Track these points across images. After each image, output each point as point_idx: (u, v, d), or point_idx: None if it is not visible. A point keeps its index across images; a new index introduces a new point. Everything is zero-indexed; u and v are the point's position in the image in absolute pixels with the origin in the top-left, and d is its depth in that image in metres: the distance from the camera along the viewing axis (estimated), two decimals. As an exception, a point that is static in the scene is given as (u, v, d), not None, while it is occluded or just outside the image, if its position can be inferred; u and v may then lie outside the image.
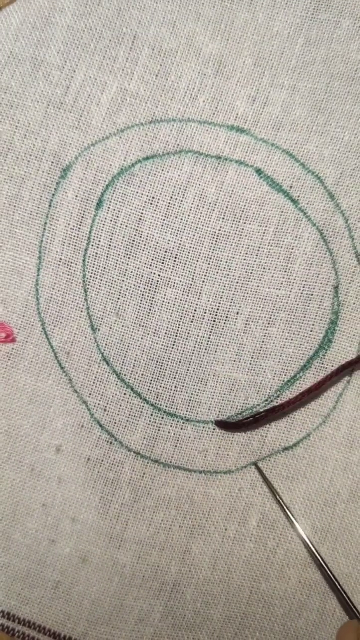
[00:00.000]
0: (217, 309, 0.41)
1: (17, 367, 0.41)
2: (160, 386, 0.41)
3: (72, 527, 0.41)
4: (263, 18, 0.42)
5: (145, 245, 0.41)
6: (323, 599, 0.41)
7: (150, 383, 0.41)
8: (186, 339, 0.41)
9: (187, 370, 0.41)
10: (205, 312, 0.41)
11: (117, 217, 0.41)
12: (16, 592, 0.40)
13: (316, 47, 0.42)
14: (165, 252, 0.41)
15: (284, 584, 0.41)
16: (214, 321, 0.41)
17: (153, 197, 0.41)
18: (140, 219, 0.41)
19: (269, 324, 0.41)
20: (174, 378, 0.41)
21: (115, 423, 0.41)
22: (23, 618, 0.40)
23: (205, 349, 0.41)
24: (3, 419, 0.41)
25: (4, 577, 0.40)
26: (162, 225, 0.41)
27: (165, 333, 0.41)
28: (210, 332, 0.41)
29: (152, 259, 0.41)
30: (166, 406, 0.41)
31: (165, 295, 0.41)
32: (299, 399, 0.40)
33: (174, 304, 0.41)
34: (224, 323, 0.41)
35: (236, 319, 0.41)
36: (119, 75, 0.41)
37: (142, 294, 0.41)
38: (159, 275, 0.41)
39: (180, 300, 0.41)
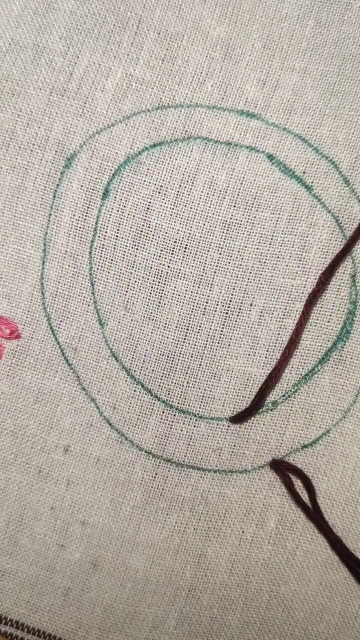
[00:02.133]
0: (230, 301, 0.39)
1: (23, 365, 0.38)
2: (172, 382, 0.39)
3: (82, 531, 0.38)
4: (271, 0, 0.40)
5: (153, 235, 0.39)
6: (345, 602, 0.38)
7: (161, 379, 0.39)
8: (198, 332, 0.39)
9: (200, 365, 0.39)
10: (217, 304, 0.39)
11: (124, 207, 0.39)
12: (25, 600, 0.38)
13: (327, 29, 0.40)
14: (175, 242, 0.39)
15: (304, 586, 0.39)
16: (227, 313, 0.39)
17: (161, 186, 0.39)
18: (148, 208, 0.39)
19: (284, 315, 0.39)
20: (186, 373, 0.39)
21: (125, 421, 0.38)
22: (32, 627, 0.38)
23: (218, 343, 0.39)
24: (9, 419, 0.38)
25: (12, 584, 0.38)
26: (171, 215, 0.39)
27: (176, 327, 0.39)
28: (223, 324, 0.39)
29: (161, 250, 0.39)
30: (178, 403, 0.39)
31: (175, 287, 0.39)
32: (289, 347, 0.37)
33: (184, 296, 0.39)
34: (238, 315, 0.39)
35: (250, 310, 0.39)
36: (124, 60, 0.39)
37: (152, 287, 0.39)
38: (168, 266, 0.39)
39: (191, 292, 0.39)
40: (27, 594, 0.38)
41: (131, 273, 0.39)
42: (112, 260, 0.39)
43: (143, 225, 0.39)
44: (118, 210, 0.39)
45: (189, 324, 0.39)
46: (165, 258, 0.39)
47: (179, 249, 0.39)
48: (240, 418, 0.38)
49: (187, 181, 0.39)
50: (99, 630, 0.38)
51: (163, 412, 0.39)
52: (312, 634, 0.38)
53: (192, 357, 0.39)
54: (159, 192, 0.39)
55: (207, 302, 0.39)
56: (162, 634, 0.38)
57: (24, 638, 0.38)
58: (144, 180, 0.39)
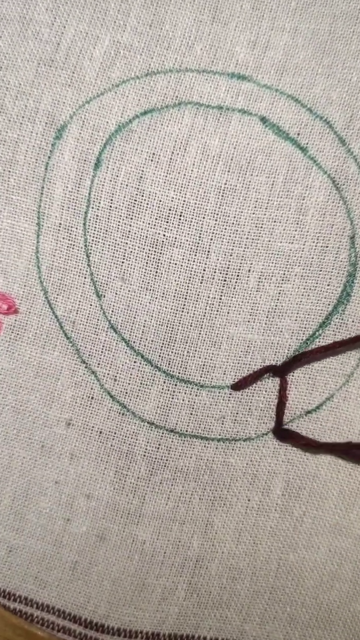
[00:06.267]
0: (228, 268, 0.37)
1: (22, 340, 0.37)
2: (172, 352, 0.37)
3: (87, 504, 0.37)
4: None
5: (148, 204, 0.37)
6: (356, 568, 0.37)
7: (161, 349, 0.37)
8: (196, 301, 0.37)
9: (199, 333, 0.37)
10: (215, 272, 0.37)
11: (117, 176, 0.37)
12: (33, 576, 0.37)
13: (316, -12, 0.39)
14: (170, 210, 0.37)
15: (313, 554, 0.38)
16: (225, 280, 0.37)
17: (153, 154, 0.37)
18: (141, 177, 0.37)
19: (283, 280, 0.37)
20: (186, 343, 0.37)
21: (126, 393, 0.37)
22: (41, 602, 0.37)
23: (217, 311, 0.37)
24: (10, 394, 0.37)
25: (20, 560, 0.37)
26: (164, 183, 0.37)
27: (174, 296, 0.37)
28: (222, 292, 0.37)
29: (156, 219, 0.37)
30: (179, 373, 0.37)
31: (171, 256, 0.37)
32: (324, 349, 0.36)
33: (181, 265, 0.37)
34: (236, 282, 0.37)
35: (248, 277, 0.37)
36: (111, 28, 0.37)
37: (148, 256, 0.37)
38: (164, 235, 0.37)
39: (188, 260, 0.37)
40: (35, 570, 0.37)
41: (126, 243, 0.37)
42: (106, 231, 0.38)
43: (137, 194, 0.37)
44: (111, 180, 0.37)
45: (187, 292, 0.37)
46: (161, 227, 0.37)
47: (174, 217, 0.37)
48: (243, 384, 0.38)
49: (180, 148, 0.37)
50: (107, 603, 0.37)
51: (164, 382, 0.37)
52: (323, 602, 0.37)
53: (191, 326, 0.37)
54: (152, 160, 0.37)
55: (204, 270, 0.38)
56: (171, 605, 0.37)
57: (33, 614, 0.38)
58: (136, 149, 0.37)
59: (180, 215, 0.38)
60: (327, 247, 0.37)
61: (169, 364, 0.38)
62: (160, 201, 0.38)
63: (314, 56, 0.38)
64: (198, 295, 0.38)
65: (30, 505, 0.37)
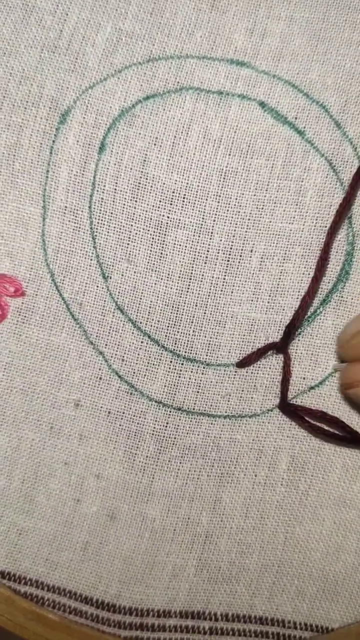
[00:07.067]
0: (231, 248, 0.38)
1: (29, 322, 0.37)
2: (178, 332, 0.38)
3: (97, 484, 0.37)
4: None
5: (151, 187, 0.38)
6: None
7: (167, 329, 0.38)
8: (201, 281, 0.38)
9: (204, 313, 0.38)
10: (218, 252, 0.38)
11: (121, 160, 0.38)
12: (44, 558, 0.37)
13: (309, -21, 0.40)
14: (173, 192, 0.38)
15: (318, 526, 0.38)
16: (228, 261, 0.38)
17: (156, 138, 0.38)
18: (144, 160, 0.38)
19: (284, 259, 0.38)
20: (192, 322, 0.38)
21: (134, 373, 0.38)
22: (52, 585, 0.37)
23: (222, 290, 0.38)
24: (18, 377, 0.37)
25: (30, 542, 0.37)
26: (167, 166, 0.38)
27: (179, 277, 0.38)
28: (225, 272, 0.38)
29: (160, 201, 0.38)
30: (185, 352, 0.38)
31: (176, 237, 0.38)
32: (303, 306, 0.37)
33: (185, 246, 0.38)
34: (239, 262, 0.38)
35: (251, 257, 0.38)
36: (112, 15, 0.38)
37: (153, 238, 0.38)
38: (168, 217, 0.38)
39: (192, 241, 0.38)
40: (46, 551, 0.37)
41: (131, 225, 0.38)
42: (111, 213, 0.38)
43: (141, 178, 0.38)
44: (115, 164, 0.38)
45: (191, 273, 0.38)
46: (165, 209, 0.38)
47: (178, 199, 0.38)
48: (247, 361, 0.38)
49: (182, 132, 0.38)
50: (119, 582, 0.37)
51: (171, 361, 0.38)
52: (329, 574, 0.38)
53: (196, 305, 0.38)
54: (155, 144, 0.38)
55: (208, 251, 0.38)
56: (182, 582, 0.37)
57: (44, 597, 0.38)
58: (139, 133, 0.38)
59: (184, 198, 0.38)
60: (325, 227, 0.38)
61: (175, 344, 0.38)
62: (164, 184, 0.38)
63: (309, 43, 0.39)
64: (202, 275, 0.38)
65: (39, 487, 0.37)
